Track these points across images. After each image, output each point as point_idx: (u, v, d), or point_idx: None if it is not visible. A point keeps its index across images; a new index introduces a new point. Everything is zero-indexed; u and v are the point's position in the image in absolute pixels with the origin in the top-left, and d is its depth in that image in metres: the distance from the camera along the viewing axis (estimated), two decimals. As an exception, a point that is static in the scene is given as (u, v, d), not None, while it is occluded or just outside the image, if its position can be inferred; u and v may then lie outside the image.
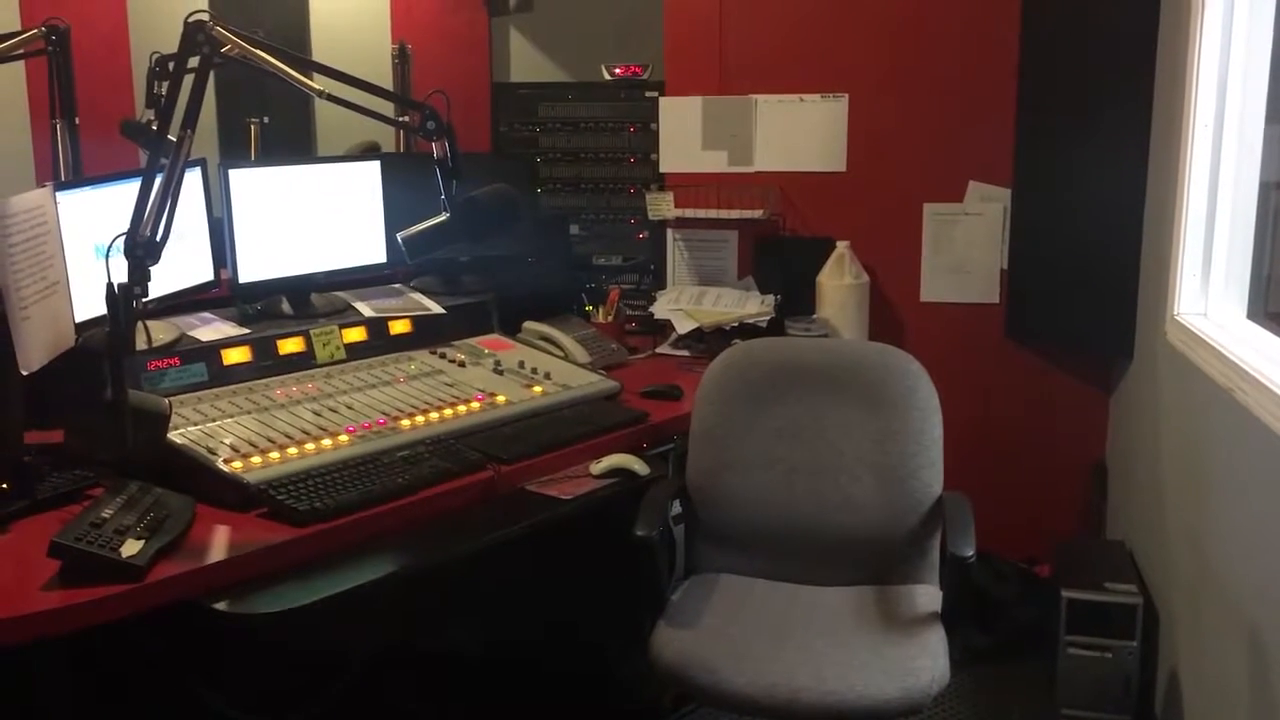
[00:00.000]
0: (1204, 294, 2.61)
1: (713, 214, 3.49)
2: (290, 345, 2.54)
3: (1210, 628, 2.34)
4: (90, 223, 2.27)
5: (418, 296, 2.92)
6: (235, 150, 3.62)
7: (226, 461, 2.05)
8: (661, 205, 3.50)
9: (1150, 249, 3.01)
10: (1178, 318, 2.63)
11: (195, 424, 2.18)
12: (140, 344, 2.23)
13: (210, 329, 2.50)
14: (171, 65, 2.16)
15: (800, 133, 3.46)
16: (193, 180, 2.51)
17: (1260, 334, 2.38)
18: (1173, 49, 2.79)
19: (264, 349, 2.49)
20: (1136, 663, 2.72)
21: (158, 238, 1.93)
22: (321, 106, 2.69)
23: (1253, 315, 2.51)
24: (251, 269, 2.64)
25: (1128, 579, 2.79)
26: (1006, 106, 3.27)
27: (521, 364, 2.74)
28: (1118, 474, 3.30)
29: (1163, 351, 2.74)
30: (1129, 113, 3.04)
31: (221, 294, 2.67)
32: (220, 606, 1.75)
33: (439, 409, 2.43)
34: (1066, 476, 3.43)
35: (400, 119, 2.79)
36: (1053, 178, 3.22)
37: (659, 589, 2.31)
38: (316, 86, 2.16)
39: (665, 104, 3.57)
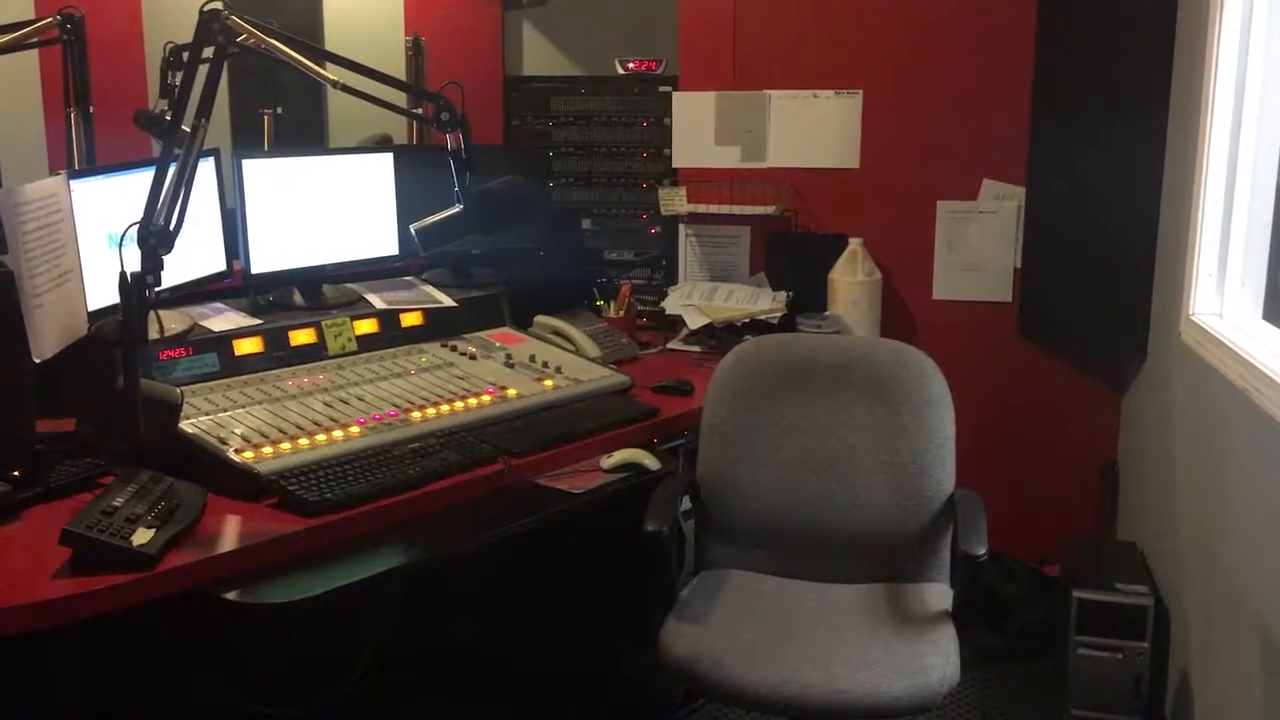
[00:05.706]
0: (1220, 294, 2.59)
1: (725, 210, 3.48)
2: (302, 336, 2.54)
3: (1222, 629, 2.33)
4: (104, 211, 2.27)
5: (429, 289, 2.92)
6: (248, 141, 3.62)
7: (238, 451, 2.06)
8: (674, 200, 3.50)
9: (1165, 248, 3.00)
10: (1193, 318, 2.61)
11: (206, 414, 2.18)
12: (152, 333, 2.23)
13: (222, 319, 2.50)
14: (186, 55, 2.16)
15: (814, 129, 3.45)
16: (206, 170, 2.51)
17: (1276, 335, 2.36)
18: (1190, 46, 2.77)
19: (275, 340, 2.49)
20: (1147, 664, 2.71)
21: (171, 227, 1.93)
22: (334, 98, 2.68)
23: (1269, 316, 2.49)
24: (264, 260, 2.64)
25: (1139, 579, 2.78)
26: (1021, 104, 3.25)
27: (533, 358, 2.74)
28: (1130, 474, 3.28)
29: (1177, 351, 2.72)
30: (1145, 110, 3.02)
31: (234, 284, 2.67)
32: (230, 596, 1.75)
33: (450, 402, 2.43)
34: (1078, 476, 3.41)
35: (414, 111, 2.80)
36: (1067, 176, 3.20)
37: (669, 584, 2.30)
38: (331, 77, 2.16)
39: (678, 99, 3.56)
